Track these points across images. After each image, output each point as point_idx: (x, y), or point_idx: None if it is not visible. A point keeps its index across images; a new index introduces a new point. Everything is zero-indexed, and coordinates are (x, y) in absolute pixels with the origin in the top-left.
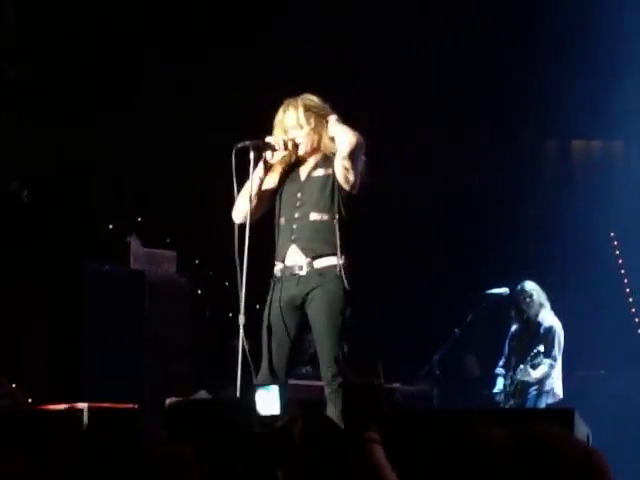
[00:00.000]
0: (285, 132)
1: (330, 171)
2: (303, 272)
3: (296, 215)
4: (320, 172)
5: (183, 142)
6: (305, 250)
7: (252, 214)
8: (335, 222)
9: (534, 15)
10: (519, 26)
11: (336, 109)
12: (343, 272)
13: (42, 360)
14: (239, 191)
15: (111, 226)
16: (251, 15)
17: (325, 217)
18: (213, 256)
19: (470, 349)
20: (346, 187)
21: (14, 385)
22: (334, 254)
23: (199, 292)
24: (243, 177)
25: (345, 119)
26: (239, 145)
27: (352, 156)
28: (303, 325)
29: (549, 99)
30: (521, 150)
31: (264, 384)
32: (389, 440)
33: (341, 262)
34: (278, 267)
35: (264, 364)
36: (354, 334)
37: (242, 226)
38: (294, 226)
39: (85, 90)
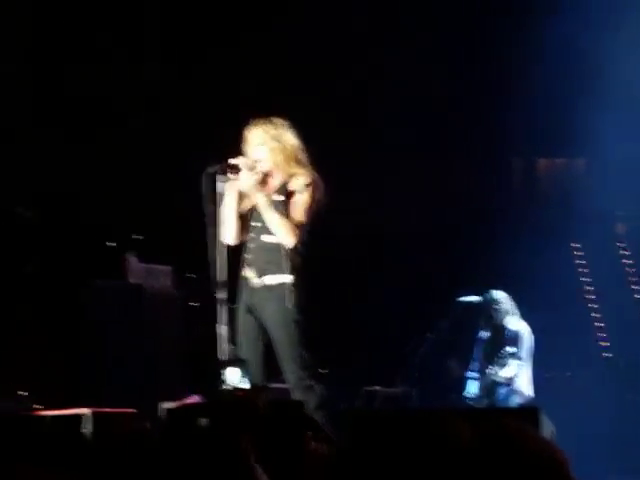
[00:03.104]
0: (250, 149)
1: (282, 197)
2: (255, 285)
3: (252, 235)
4: (274, 196)
5: (178, 163)
6: (256, 269)
7: (238, 236)
8: (281, 245)
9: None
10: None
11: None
12: (289, 289)
13: (47, 369)
14: (210, 214)
15: (110, 244)
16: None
17: (275, 240)
18: (206, 271)
19: (451, 352)
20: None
21: (20, 393)
22: (282, 273)
23: (192, 304)
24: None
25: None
26: (209, 170)
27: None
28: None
29: (518, 120)
30: (492, 167)
31: (233, 362)
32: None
33: (288, 280)
34: (241, 276)
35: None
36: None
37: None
38: (251, 245)
39: (84, 107)
